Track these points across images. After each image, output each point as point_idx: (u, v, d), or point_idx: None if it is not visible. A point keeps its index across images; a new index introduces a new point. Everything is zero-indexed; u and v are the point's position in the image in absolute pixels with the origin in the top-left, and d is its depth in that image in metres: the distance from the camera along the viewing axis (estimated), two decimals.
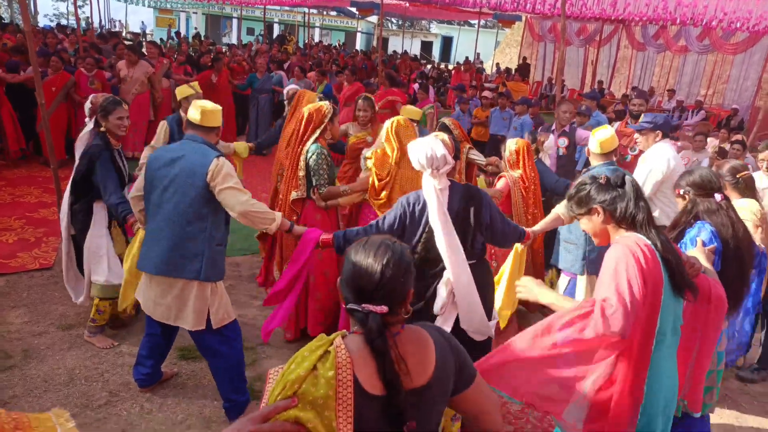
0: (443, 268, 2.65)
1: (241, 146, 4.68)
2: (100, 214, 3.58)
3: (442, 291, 2.66)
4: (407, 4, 18.21)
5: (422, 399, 1.40)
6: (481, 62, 25.19)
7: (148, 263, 2.89)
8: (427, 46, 40.14)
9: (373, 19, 25.84)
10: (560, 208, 3.29)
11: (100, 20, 20.62)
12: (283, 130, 4.43)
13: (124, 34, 32.25)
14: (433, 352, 1.45)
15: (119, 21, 31.62)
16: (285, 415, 1.29)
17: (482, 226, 2.77)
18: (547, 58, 20.96)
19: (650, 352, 1.97)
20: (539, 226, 3.36)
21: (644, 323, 1.95)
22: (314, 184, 3.62)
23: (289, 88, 5.67)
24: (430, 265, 2.70)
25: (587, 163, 4.35)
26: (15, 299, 4.18)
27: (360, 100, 4.85)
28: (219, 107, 3.00)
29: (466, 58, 21.41)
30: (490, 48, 30.68)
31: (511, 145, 4.31)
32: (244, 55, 11.03)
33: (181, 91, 4.59)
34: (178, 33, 23.10)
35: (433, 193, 2.57)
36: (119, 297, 3.42)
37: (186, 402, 3.24)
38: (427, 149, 2.57)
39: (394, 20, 35.28)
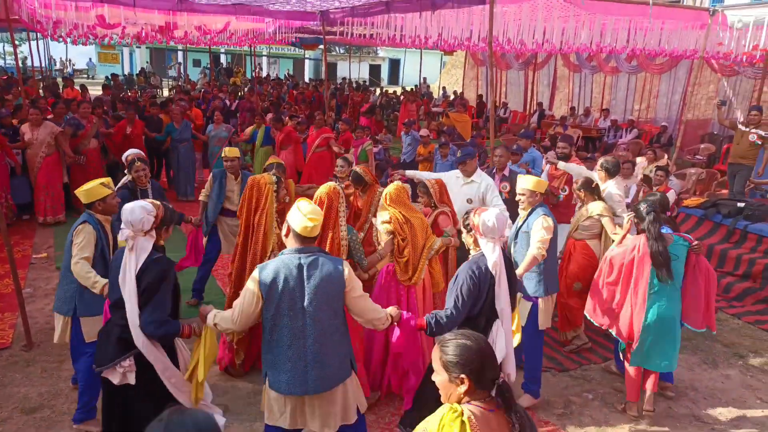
0: (492, 323, 3.15)
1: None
2: None
3: (501, 342, 3.12)
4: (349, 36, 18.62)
5: None
6: (428, 86, 25.86)
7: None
8: (375, 70, 40.82)
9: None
10: (534, 250, 3.94)
11: (40, 61, 20.13)
12: (246, 215, 4.24)
13: (69, 70, 31.68)
14: None
15: (60, 59, 30.97)
16: None
17: (511, 288, 3.27)
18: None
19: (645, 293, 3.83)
20: (521, 270, 3.95)
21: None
22: (356, 260, 3.91)
23: (129, 153, 5.31)
24: (489, 320, 3.14)
25: None
26: None
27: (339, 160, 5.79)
28: (318, 213, 2.86)
29: (412, 88, 21.97)
30: (437, 68, 31.54)
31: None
32: (188, 105, 10.99)
33: (98, 193, 3.67)
34: (115, 76, 21.83)
35: (496, 257, 3.06)
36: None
37: None
38: (496, 219, 3.05)
39: (341, 45, 35.83)
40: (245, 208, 4.21)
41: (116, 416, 3.05)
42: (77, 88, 14.96)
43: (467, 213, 3.26)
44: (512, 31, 9.84)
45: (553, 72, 19.83)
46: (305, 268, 2.75)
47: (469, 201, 5.12)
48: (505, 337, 3.15)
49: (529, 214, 4.20)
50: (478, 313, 3.11)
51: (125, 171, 5.15)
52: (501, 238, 3.12)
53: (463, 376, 1.78)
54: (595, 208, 4.83)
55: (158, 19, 10.12)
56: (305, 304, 2.74)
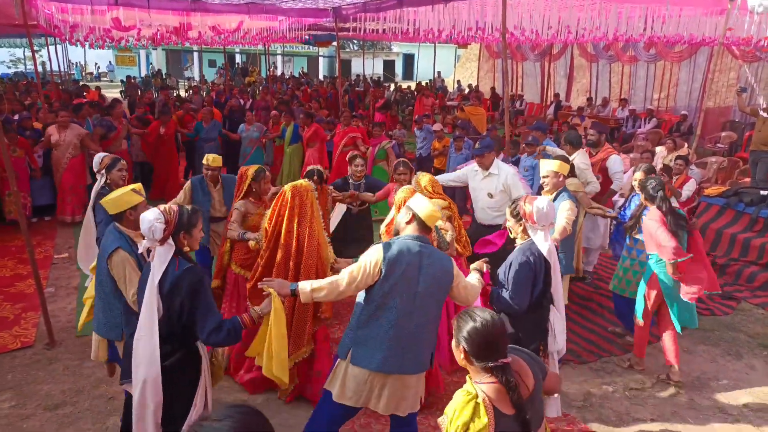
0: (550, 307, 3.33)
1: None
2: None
3: (559, 324, 3.31)
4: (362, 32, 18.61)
5: (534, 400, 2.08)
6: (443, 80, 25.72)
7: None
8: (389, 65, 40.71)
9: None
10: (563, 222, 4.18)
11: (59, 65, 20.39)
12: (286, 224, 3.73)
13: (95, 74, 32.12)
14: (530, 372, 2.10)
15: (78, 62, 31.44)
16: None
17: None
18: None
19: None
20: (556, 236, 4.14)
21: None
22: (443, 246, 3.99)
23: (100, 156, 4.50)
24: (548, 303, 3.30)
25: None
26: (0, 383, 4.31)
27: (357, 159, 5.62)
28: (433, 206, 2.96)
29: (427, 82, 21.87)
30: (451, 62, 31.34)
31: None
32: (204, 102, 11.02)
33: (128, 201, 3.33)
34: (129, 78, 22.06)
35: (549, 244, 3.17)
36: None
37: None
38: (548, 206, 3.13)
39: (355, 41, 35.82)
40: (285, 217, 3.68)
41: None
42: (92, 90, 15.16)
43: (515, 202, 3.27)
44: (526, 22, 9.73)
45: (569, 62, 19.59)
46: (424, 256, 2.85)
47: (490, 195, 5.09)
48: (560, 317, 3.34)
49: (555, 199, 4.40)
50: (540, 298, 3.22)
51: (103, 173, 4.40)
52: (550, 225, 3.19)
53: (462, 346, 2.04)
54: (569, 184, 4.95)
55: (173, 20, 10.19)
56: (419, 289, 2.84)
